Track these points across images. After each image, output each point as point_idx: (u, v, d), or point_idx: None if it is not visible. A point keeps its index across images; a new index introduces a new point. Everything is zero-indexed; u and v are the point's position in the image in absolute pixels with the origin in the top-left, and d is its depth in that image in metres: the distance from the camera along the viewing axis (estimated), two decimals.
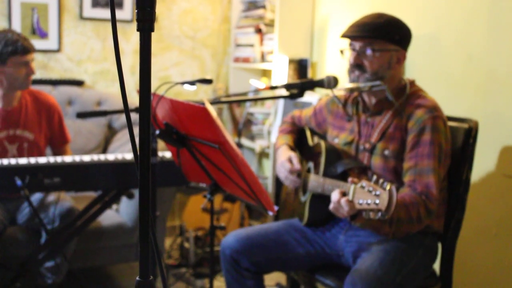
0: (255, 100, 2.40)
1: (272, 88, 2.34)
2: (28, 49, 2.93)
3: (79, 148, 3.73)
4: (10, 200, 3.10)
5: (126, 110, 1.08)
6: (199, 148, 1.99)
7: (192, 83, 2.28)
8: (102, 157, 2.77)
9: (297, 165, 2.47)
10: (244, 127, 4.42)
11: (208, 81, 2.25)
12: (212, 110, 1.79)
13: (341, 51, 2.41)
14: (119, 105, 3.98)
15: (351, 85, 2.32)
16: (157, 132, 2.01)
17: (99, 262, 3.47)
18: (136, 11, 0.99)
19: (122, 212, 3.41)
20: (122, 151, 3.66)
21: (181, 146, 2.00)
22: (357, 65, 2.31)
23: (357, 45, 2.31)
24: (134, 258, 3.47)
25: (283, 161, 2.52)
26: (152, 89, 1.88)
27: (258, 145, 4.21)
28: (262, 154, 4.49)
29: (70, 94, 3.98)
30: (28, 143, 3.07)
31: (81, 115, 2.43)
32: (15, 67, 2.93)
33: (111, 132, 3.97)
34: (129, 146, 3.70)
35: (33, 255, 2.88)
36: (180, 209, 4.44)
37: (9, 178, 2.51)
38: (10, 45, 2.89)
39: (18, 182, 2.50)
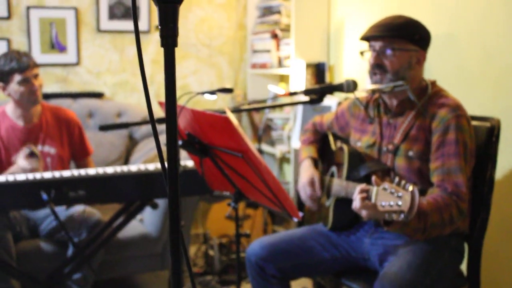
0: (276, 106, 2.40)
1: (292, 94, 2.35)
2: (25, 66, 2.98)
3: (101, 160, 3.76)
4: (33, 212, 3.15)
5: (152, 122, 1.09)
6: (222, 157, 2.00)
7: (212, 92, 2.30)
8: (125, 168, 2.79)
9: (318, 190, 2.50)
10: (263, 132, 4.42)
11: (228, 90, 2.26)
12: (233, 119, 1.80)
13: (361, 53, 2.41)
14: (139, 115, 4.01)
15: (372, 87, 2.32)
16: (180, 142, 2.02)
17: (124, 272, 3.49)
18: (159, 27, 1.00)
19: (146, 222, 3.43)
20: (144, 162, 3.68)
21: (204, 155, 2.01)
22: (377, 65, 2.31)
23: (377, 45, 2.31)
24: (159, 267, 3.49)
25: (305, 183, 2.54)
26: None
27: (278, 150, 4.21)
28: (283, 159, 4.49)
29: (90, 106, 4.01)
30: (51, 158, 3.11)
31: (104, 128, 2.45)
32: (17, 85, 2.99)
33: (132, 143, 4.00)
34: (151, 156, 3.73)
35: (61, 267, 2.90)
36: (203, 217, 4.45)
37: (34, 193, 2.54)
38: (8, 64, 2.98)
39: (44, 196, 2.52)
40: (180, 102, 2.09)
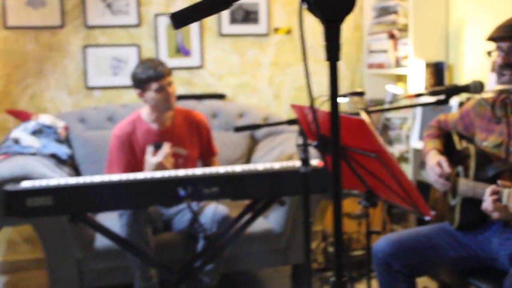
0: (406, 107, 2.47)
1: (418, 95, 2.40)
2: (161, 74, 3.19)
3: (224, 159, 3.94)
4: (166, 209, 3.37)
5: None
6: (355, 157, 2.09)
7: (344, 95, 2.39)
8: (252, 167, 2.95)
9: (446, 168, 2.52)
10: (381, 132, 4.47)
11: (360, 94, 2.36)
12: (368, 121, 1.88)
13: (488, 53, 2.43)
14: (260, 116, 4.17)
15: (501, 87, 2.34)
16: (314, 143, 2.13)
17: (247, 267, 3.66)
18: (325, 43, 1.12)
19: (270, 218, 3.57)
20: (265, 161, 3.83)
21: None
22: (506, 66, 2.32)
23: (505, 45, 2.32)
24: (281, 262, 3.62)
25: (433, 165, 2.56)
26: (304, 103, 2.01)
27: (396, 150, 4.24)
28: (401, 159, 4.51)
29: (214, 107, 4.22)
30: (183, 158, 3.32)
31: (238, 129, 2.61)
32: (153, 92, 3.20)
33: (253, 142, 4.17)
34: (272, 155, 3.87)
35: (193, 259, 3.10)
36: (321, 215, 4.55)
37: (172, 189, 2.74)
38: (145, 72, 3.19)
39: (181, 192, 2.71)
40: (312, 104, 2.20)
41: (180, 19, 1.11)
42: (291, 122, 2.47)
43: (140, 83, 3.21)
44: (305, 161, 2.48)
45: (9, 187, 2.68)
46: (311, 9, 1.12)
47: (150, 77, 3.17)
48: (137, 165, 3.27)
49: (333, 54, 1.12)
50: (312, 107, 1.33)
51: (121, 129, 3.32)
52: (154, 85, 3.18)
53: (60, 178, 3.01)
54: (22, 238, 4.24)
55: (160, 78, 3.17)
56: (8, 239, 4.23)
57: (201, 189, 2.76)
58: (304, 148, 2.45)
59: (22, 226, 4.09)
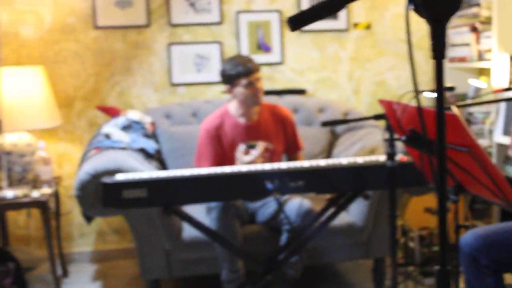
0: (491, 102, 2.46)
1: (507, 89, 2.40)
2: (250, 70, 3.28)
3: (305, 153, 3.99)
4: (252, 202, 3.47)
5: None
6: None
7: (433, 91, 2.41)
8: (336, 161, 3.00)
9: None
10: None
11: (450, 89, 2.37)
12: (460, 115, 1.91)
13: None
14: (340, 111, 4.22)
15: None
16: (403, 138, 2.17)
17: (328, 259, 3.70)
18: (432, 42, 1.17)
19: (351, 212, 3.60)
20: (346, 155, 3.87)
21: (428, 151, 2.13)
22: None
23: None
24: (363, 256, 3.65)
25: None
26: (394, 98, 2.05)
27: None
28: None
29: (294, 102, 4.28)
30: (269, 152, 3.40)
31: (326, 123, 2.66)
32: (242, 88, 3.29)
33: (334, 137, 4.21)
34: (353, 150, 3.90)
35: (278, 252, 3.18)
36: (402, 209, 4.55)
37: (260, 183, 2.82)
38: (235, 68, 3.28)
39: (269, 185, 2.80)
40: (403, 100, 2.24)
41: (297, 22, 1.18)
42: (377, 117, 2.51)
43: (229, 78, 3.31)
44: (392, 155, 2.51)
45: (107, 179, 2.83)
46: (417, 10, 1.17)
47: (239, 73, 3.27)
48: (224, 158, 3.38)
49: (438, 52, 1.16)
50: (418, 106, 1.36)
51: (210, 123, 3.44)
52: (243, 81, 3.27)
53: (153, 171, 3.15)
54: (111, 228, 4.44)
55: (249, 74, 3.27)
56: (98, 230, 4.44)
57: (287, 182, 2.84)
58: (390, 142, 2.49)
59: (111, 217, 4.29)
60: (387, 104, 2.36)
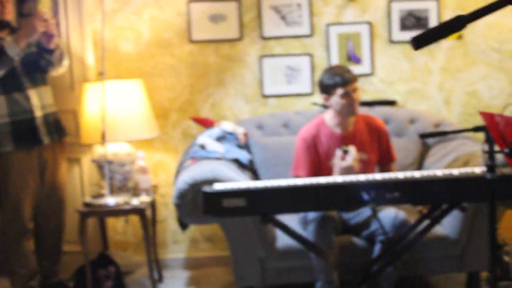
0: None
1: None
2: (347, 81, 3.34)
3: (397, 164, 3.99)
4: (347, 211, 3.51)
5: None
6: None
7: None
8: (431, 172, 3.00)
9: None
10: None
11: None
12: None
13: None
14: (431, 122, 4.20)
15: None
16: (506, 150, 2.16)
17: (420, 272, 3.68)
18: None
19: (444, 224, 3.57)
20: (438, 167, 3.83)
21: None
22: None
23: None
24: (456, 269, 3.61)
25: None
26: (486, 108, 2.05)
27: None
28: None
29: (385, 113, 4.28)
30: (363, 163, 3.43)
31: (424, 135, 2.68)
32: (338, 97, 3.36)
33: (425, 148, 4.18)
34: (445, 161, 3.86)
35: (372, 262, 3.20)
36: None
37: (356, 193, 2.86)
38: (332, 78, 3.36)
39: (365, 196, 2.83)
40: (505, 113, 2.23)
41: (421, 41, 1.23)
42: (477, 129, 2.51)
43: (326, 88, 3.38)
44: (492, 167, 2.50)
45: (206, 188, 2.93)
46: None
47: (336, 83, 3.33)
48: (321, 167, 3.45)
49: None
50: None
51: (306, 132, 3.52)
52: (340, 91, 3.33)
53: (250, 181, 3.25)
54: (203, 236, 4.57)
55: (346, 84, 3.33)
56: (191, 237, 4.57)
57: (383, 193, 2.87)
58: (491, 155, 2.48)
59: (205, 225, 4.41)
60: (489, 116, 2.35)
